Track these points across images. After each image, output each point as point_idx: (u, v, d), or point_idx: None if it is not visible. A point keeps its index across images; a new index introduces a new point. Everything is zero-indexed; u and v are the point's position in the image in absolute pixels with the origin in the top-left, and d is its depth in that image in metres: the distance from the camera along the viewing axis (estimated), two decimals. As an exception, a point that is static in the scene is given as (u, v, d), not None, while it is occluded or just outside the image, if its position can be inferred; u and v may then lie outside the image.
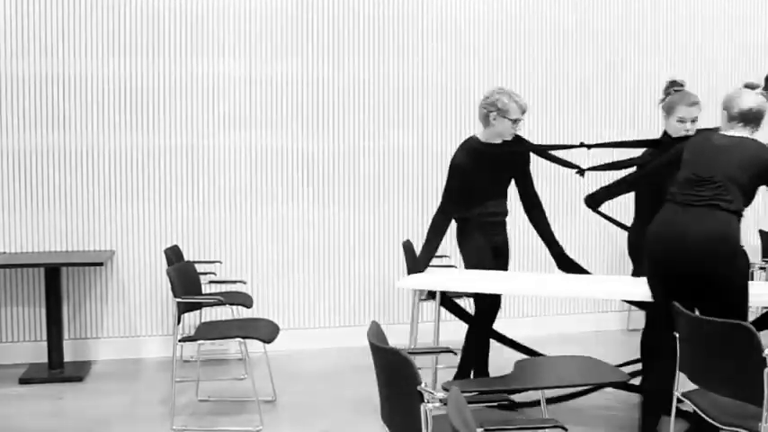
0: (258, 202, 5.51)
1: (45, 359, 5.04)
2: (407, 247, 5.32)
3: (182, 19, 5.31)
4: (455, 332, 5.86)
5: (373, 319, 2.63)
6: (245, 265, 5.50)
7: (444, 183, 4.30)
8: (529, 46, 5.94)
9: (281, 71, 5.50)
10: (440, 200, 4.33)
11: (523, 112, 4.22)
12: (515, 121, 4.19)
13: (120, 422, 4.03)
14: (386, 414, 2.52)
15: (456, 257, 5.87)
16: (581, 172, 4.29)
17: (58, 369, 4.89)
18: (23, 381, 4.75)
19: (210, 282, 5.23)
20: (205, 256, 5.42)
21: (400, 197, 5.75)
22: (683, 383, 3.08)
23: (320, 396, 4.48)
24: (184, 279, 4.19)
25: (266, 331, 4.00)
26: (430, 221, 4.32)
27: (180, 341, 3.96)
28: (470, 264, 4.30)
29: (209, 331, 4.08)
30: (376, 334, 2.50)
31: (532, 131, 5.97)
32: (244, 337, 3.90)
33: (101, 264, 4.67)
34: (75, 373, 4.85)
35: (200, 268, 4.84)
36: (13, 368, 5.04)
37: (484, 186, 4.29)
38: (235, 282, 5.23)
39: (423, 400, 2.15)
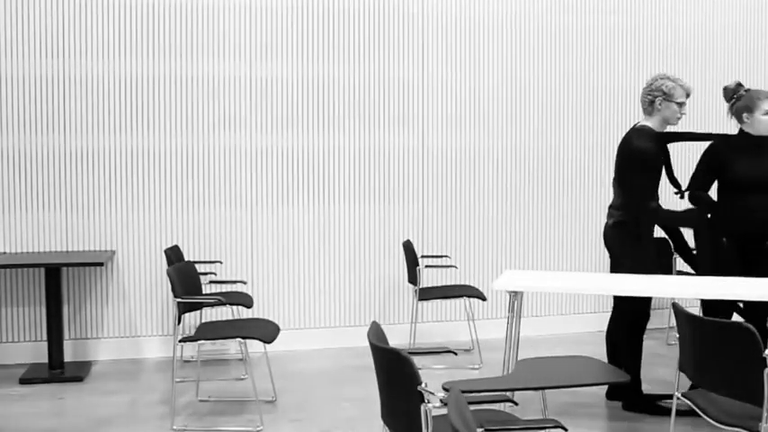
0: (258, 202, 5.51)
1: (45, 359, 5.04)
2: (407, 247, 5.33)
3: (183, 19, 5.31)
4: (455, 332, 5.88)
5: (373, 319, 2.63)
6: (245, 265, 5.51)
7: (634, 178, 4.01)
8: (531, 43, 5.94)
9: (282, 71, 5.50)
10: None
11: (687, 95, 4.08)
12: (681, 105, 4.07)
13: (120, 422, 4.03)
14: (386, 414, 2.52)
15: (457, 257, 5.88)
16: (681, 194, 4.19)
17: (58, 369, 4.89)
18: (24, 381, 4.75)
19: (211, 282, 5.23)
20: (205, 256, 5.42)
21: (400, 197, 5.75)
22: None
23: (320, 396, 4.48)
24: (184, 279, 4.19)
25: (266, 331, 4.00)
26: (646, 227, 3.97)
27: (180, 341, 3.96)
28: (641, 268, 4.03)
29: (209, 331, 4.08)
30: (376, 334, 2.50)
31: (531, 132, 5.98)
32: (244, 338, 3.90)
33: (101, 264, 4.67)
34: (76, 373, 4.85)
35: (200, 268, 4.85)
36: (14, 368, 5.04)
37: (658, 180, 4.09)
38: (235, 282, 5.23)
39: (423, 400, 2.15)
